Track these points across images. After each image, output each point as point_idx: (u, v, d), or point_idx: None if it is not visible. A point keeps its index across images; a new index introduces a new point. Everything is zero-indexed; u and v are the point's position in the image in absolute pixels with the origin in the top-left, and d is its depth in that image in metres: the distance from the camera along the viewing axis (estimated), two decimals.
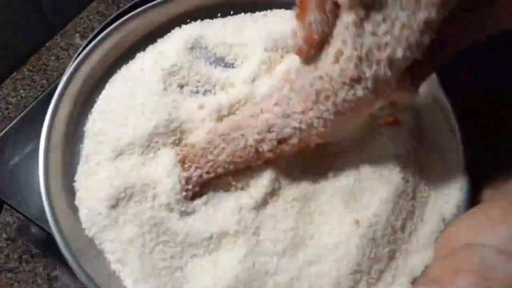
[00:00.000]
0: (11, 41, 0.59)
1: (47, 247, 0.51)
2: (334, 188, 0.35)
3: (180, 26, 0.43)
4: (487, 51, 0.36)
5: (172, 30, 0.43)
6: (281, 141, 0.32)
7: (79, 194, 0.36)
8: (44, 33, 0.63)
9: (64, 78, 0.38)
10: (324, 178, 0.35)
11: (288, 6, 0.43)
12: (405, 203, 0.34)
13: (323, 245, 0.33)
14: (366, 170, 0.35)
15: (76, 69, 0.39)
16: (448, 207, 0.35)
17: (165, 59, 0.39)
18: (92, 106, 0.40)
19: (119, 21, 0.41)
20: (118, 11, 0.54)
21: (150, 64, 0.40)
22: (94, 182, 0.36)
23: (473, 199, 0.35)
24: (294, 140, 0.32)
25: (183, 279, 0.33)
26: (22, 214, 0.46)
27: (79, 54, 0.42)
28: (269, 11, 0.44)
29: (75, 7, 0.65)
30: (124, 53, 0.42)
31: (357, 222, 0.33)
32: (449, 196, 0.35)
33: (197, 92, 0.39)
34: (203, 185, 0.35)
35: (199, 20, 0.43)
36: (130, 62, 0.41)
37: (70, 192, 0.36)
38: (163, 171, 0.35)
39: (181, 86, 0.39)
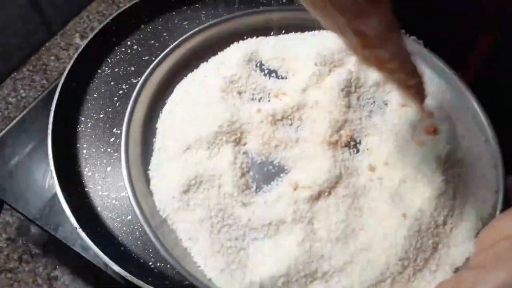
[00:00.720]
0: (11, 41, 0.59)
1: (47, 247, 0.51)
2: (382, 188, 0.40)
3: (238, 41, 0.49)
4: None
5: (231, 45, 0.49)
6: None
7: (153, 181, 0.41)
8: (44, 33, 0.63)
9: (139, 84, 0.45)
10: (371, 179, 0.41)
11: None
12: (446, 202, 0.39)
13: (373, 235, 0.38)
14: (410, 172, 0.40)
15: (148, 76, 0.46)
16: (485, 207, 0.40)
17: (226, 69, 0.46)
18: (162, 107, 0.46)
19: (186, 35, 0.48)
20: (118, 11, 0.54)
21: (213, 73, 0.46)
22: (166, 171, 0.41)
23: (508, 200, 0.40)
24: None
25: (246, 258, 0.37)
26: (22, 214, 0.47)
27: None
28: (317, 31, 0.50)
29: (75, 7, 0.66)
30: (189, 62, 0.48)
31: (404, 216, 0.38)
32: (486, 197, 0.41)
33: (254, 99, 0.45)
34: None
35: (255, 37, 0.50)
36: (195, 70, 0.48)
37: (146, 179, 0.42)
38: (226, 164, 0.40)
39: (240, 93, 0.45)
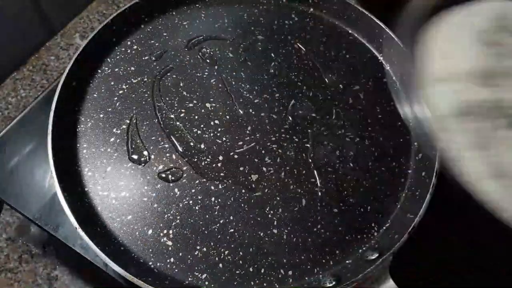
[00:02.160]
0: (11, 41, 0.59)
1: (47, 247, 0.51)
2: None
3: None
4: None
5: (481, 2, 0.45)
6: None
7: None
8: (44, 33, 0.63)
9: None
10: None
11: None
12: None
13: None
14: None
15: None
16: None
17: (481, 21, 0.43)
18: None
19: None
20: (118, 11, 0.54)
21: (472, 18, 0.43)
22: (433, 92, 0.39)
23: None
24: None
25: None
26: (22, 214, 0.47)
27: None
28: None
29: (75, 7, 0.66)
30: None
31: None
32: None
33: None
34: None
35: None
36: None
37: None
38: None
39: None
